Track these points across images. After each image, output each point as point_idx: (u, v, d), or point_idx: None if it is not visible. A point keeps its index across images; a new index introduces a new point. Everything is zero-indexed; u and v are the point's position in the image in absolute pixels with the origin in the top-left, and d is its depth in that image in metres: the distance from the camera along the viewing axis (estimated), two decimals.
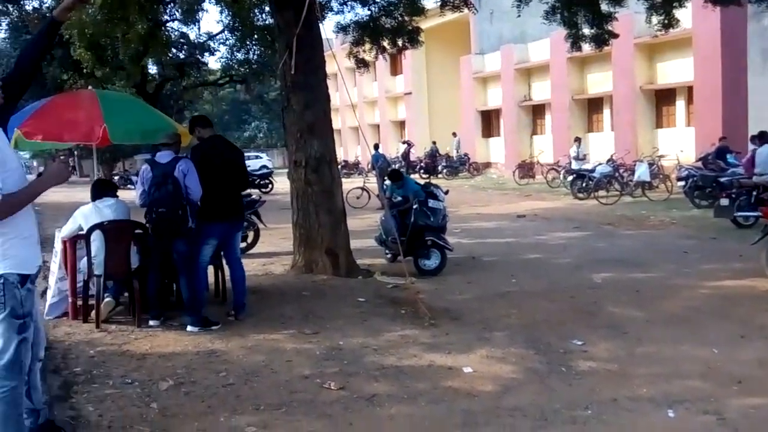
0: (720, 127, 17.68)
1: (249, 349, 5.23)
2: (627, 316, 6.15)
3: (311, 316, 6.18)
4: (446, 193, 9.09)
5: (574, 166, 19.06)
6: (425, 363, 4.87)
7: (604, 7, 11.52)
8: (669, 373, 4.62)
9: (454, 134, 29.46)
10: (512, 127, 27.29)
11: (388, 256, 9.16)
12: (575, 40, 12.35)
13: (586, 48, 12.41)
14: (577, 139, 20.42)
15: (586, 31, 12.11)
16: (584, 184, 17.22)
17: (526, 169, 24.04)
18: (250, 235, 10.20)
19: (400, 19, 11.82)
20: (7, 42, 25.34)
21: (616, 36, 11.92)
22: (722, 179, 13.18)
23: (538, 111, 27.29)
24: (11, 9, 20.04)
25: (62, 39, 18.03)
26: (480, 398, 4.19)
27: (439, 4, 11.48)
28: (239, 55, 21.81)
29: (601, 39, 11.95)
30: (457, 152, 28.60)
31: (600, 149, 22.03)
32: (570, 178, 18.40)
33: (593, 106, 24.53)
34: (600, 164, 17.99)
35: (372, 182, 18.53)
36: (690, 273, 8.03)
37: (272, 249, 10.17)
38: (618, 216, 13.70)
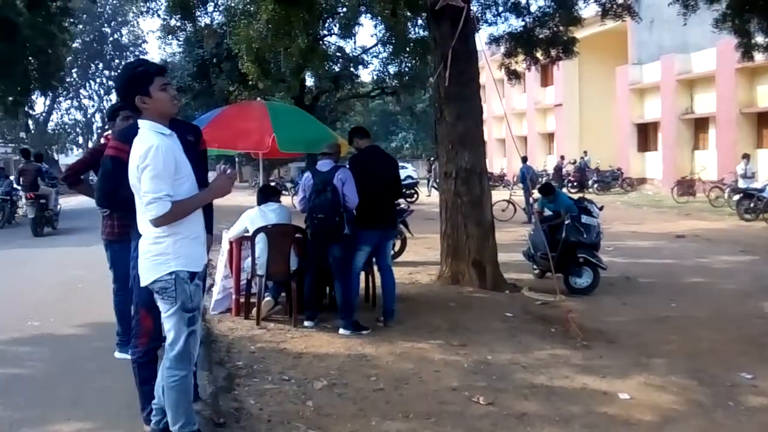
0: None
1: (398, 356, 5.31)
2: None
3: (458, 328, 6.18)
4: (600, 209, 8.76)
5: (741, 184, 17.65)
6: (578, 385, 4.71)
7: None
8: None
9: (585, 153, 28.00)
10: (671, 142, 25.76)
11: (536, 271, 8.98)
12: (747, 50, 11.53)
13: (759, 58, 11.51)
14: (746, 156, 18.89)
15: (760, 39, 11.27)
16: (752, 205, 15.92)
17: (686, 186, 22.60)
18: (398, 243, 10.36)
19: (555, 29, 11.62)
20: (182, 56, 27.59)
21: None
22: None
23: (700, 125, 25.58)
24: (186, 24, 21.83)
25: (230, 53, 19.44)
26: (638, 428, 3.98)
27: (599, 13, 11.14)
28: (391, 68, 22.38)
29: None
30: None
31: None
32: (736, 197, 17.06)
33: (764, 120, 22.61)
34: None
35: (518, 195, 18.21)
36: None
37: (418, 258, 10.28)
38: None
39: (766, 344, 5.83)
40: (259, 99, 9.85)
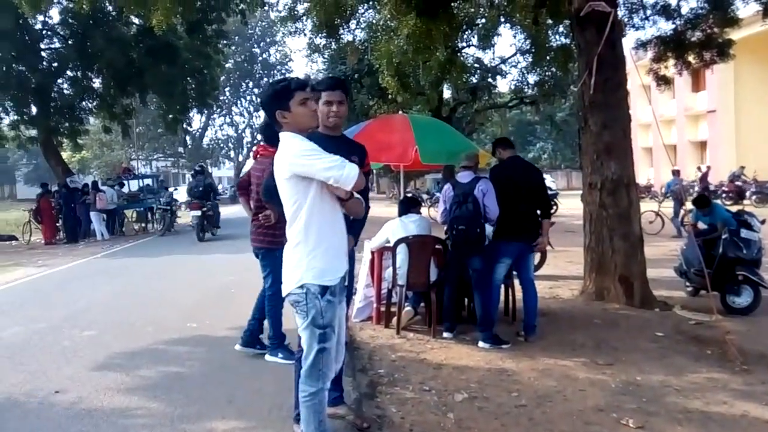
0: None
1: (540, 372, 5.19)
2: None
3: (604, 346, 5.93)
4: (763, 222, 8.10)
5: None
6: (737, 412, 4.37)
7: None
8: None
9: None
10: None
11: (689, 289, 8.43)
12: None
13: None
14: None
15: None
16: None
17: None
18: (537, 256, 10.14)
19: (708, 31, 10.97)
20: (325, 72, 28.70)
21: None
22: None
23: None
24: (330, 42, 22.73)
25: (371, 68, 19.99)
26: None
27: (759, 12, 10.37)
28: (531, 77, 22.02)
29: None
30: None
31: None
32: None
33: None
34: None
35: (666, 207, 17.22)
36: None
37: (558, 272, 10.00)
38: None
39: None
40: (400, 112, 10.02)
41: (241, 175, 17.66)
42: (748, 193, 25.38)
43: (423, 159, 6.90)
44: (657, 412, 4.35)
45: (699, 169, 27.85)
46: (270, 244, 5.32)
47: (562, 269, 10.19)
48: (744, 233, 7.65)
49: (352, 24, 16.54)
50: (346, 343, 3.70)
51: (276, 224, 5.18)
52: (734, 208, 8.75)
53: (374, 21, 16.91)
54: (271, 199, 3.93)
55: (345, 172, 3.13)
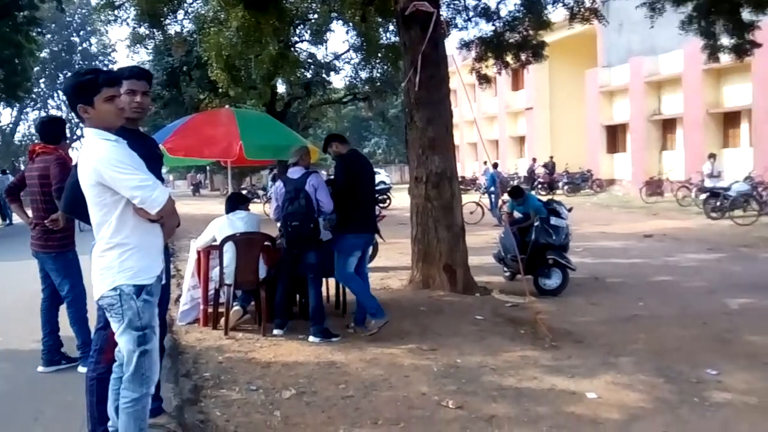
0: None
1: (368, 362, 5.29)
2: (767, 346, 5.70)
3: (429, 332, 6.18)
4: (569, 210, 8.85)
5: (708, 183, 17.96)
6: (546, 386, 4.73)
7: (746, 15, 10.86)
8: None
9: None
10: (640, 143, 26.14)
11: (507, 274, 9.03)
12: (713, 51, 11.72)
13: (725, 59, 11.71)
14: (712, 156, 19.23)
15: (725, 41, 11.47)
16: (719, 203, 16.20)
17: (655, 186, 22.94)
18: (369, 249, 10.35)
19: (524, 33, 11.70)
20: (151, 64, 27.36)
21: (758, 46, 11.19)
22: None
23: (668, 126, 26.00)
24: (156, 33, 21.69)
25: (200, 61, 19.32)
26: (606, 426, 4.01)
27: (567, 17, 11.26)
28: (363, 74, 22.42)
29: (742, 49, 11.27)
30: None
31: (736, 166, 20.65)
32: (703, 196, 17.37)
33: (730, 120, 23.04)
34: (736, 182, 16.86)
35: (487, 198, 18.35)
36: None
37: (389, 263, 10.27)
38: (755, 238, 12.75)
39: (731, 340, 5.92)
40: (227, 106, 9.77)
41: None
42: (560, 184, 27.67)
43: (247, 154, 6.77)
44: (475, 392, 4.60)
45: (534, 160, 29.93)
46: (60, 247, 5.04)
47: (393, 260, 10.47)
48: (553, 221, 8.31)
49: (180, 14, 15.84)
50: (166, 348, 3.55)
51: (64, 228, 4.98)
52: (545, 198, 9.46)
53: (203, 12, 16.33)
54: (73, 212, 3.64)
55: (153, 195, 2.98)
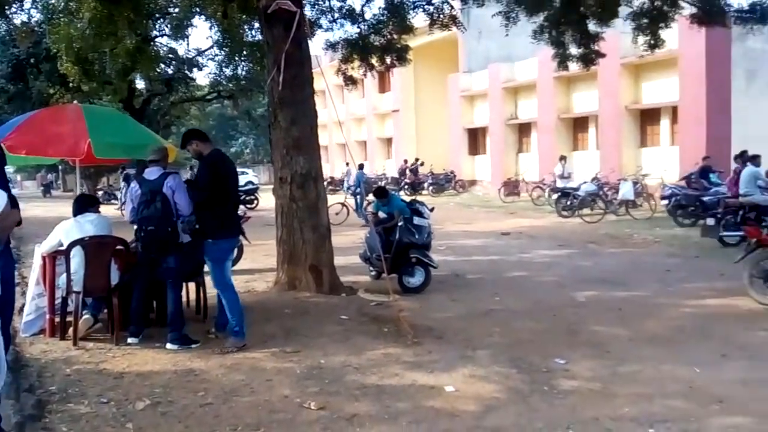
0: (704, 146, 17.87)
1: (228, 368, 5.15)
2: (610, 335, 6.15)
3: (293, 334, 6.12)
4: (432, 210, 9.10)
5: (559, 184, 19.15)
6: (407, 382, 4.83)
7: (592, 26, 11.64)
8: (651, 393, 4.61)
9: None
10: (498, 145, 27.44)
11: (373, 273, 9.14)
12: (562, 60, 12.45)
13: (573, 67, 12.51)
14: (563, 158, 20.55)
15: (573, 50, 12.22)
16: (569, 203, 17.31)
17: (512, 187, 24.15)
18: (234, 251, 10.11)
19: (388, 37, 11.87)
20: None
21: (603, 56, 12.03)
22: (705, 198, 13.36)
23: (524, 129, 27.47)
24: None
25: (49, 53, 18.04)
26: (461, 418, 4.16)
27: (427, 22, 11.55)
28: (227, 71, 21.87)
29: (588, 58, 12.05)
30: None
31: (585, 168, 22.18)
32: (555, 196, 18.50)
33: (579, 124, 24.73)
34: (585, 183, 18.10)
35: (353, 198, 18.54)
36: (673, 292, 8.07)
37: (255, 266, 10.08)
38: (602, 234, 13.76)
39: (579, 331, 6.33)
40: (75, 102, 9.16)
41: None
42: (425, 185, 28.45)
43: (97, 153, 6.38)
44: (337, 392, 4.60)
45: (406, 162, 30.45)
46: None
47: (259, 263, 10.29)
48: (416, 220, 8.51)
49: (27, 2, 14.68)
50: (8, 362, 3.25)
51: None
52: (409, 199, 9.68)
53: (52, 1, 15.24)
54: None
55: None
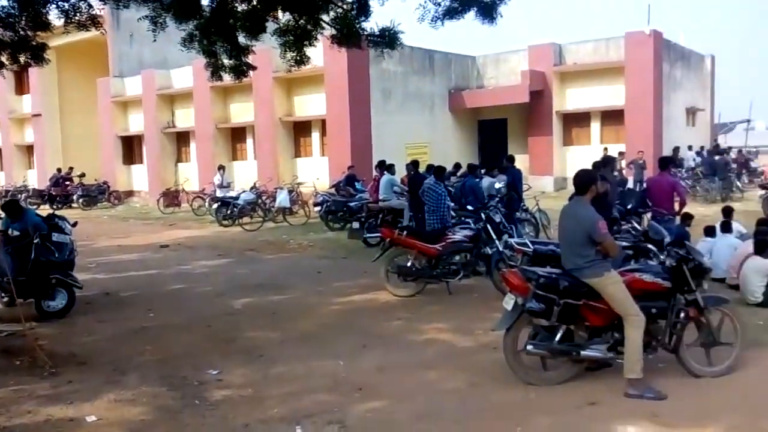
0: (349, 156, 19.52)
1: None
2: (263, 339, 6.31)
3: None
4: (74, 225, 8.31)
5: (219, 194, 19.15)
6: (41, 418, 4.32)
7: (242, 39, 11.85)
8: (299, 390, 4.83)
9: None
10: (156, 154, 26.44)
11: (5, 299, 7.99)
12: (215, 70, 12.46)
13: (227, 78, 12.61)
14: (221, 167, 20.62)
15: (226, 61, 12.33)
16: (229, 212, 17.42)
17: (171, 197, 23.45)
18: None
19: (22, 33, 10.60)
20: None
21: (254, 68, 12.30)
22: (351, 204, 14.63)
23: (182, 138, 26.91)
24: None
25: None
26: None
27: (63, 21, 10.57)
28: None
29: (240, 70, 12.21)
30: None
31: (244, 177, 22.58)
32: (215, 206, 18.46)
33: (237, 135, 25.08)
34: (244, 192, 18.41)
35: None
36: (323, 291, 8.62)
37: None
38: (261, 242, 14.13)
39: (233, 339, 6.37)
40: None
41: None
42: (75, 197, 26.04)
43: None
44: None
45: (60, 170, 27.14)
46: None
47: None
48: (56, 237, 7.70)
49: None
50: None
51: None
52: (46, 213, 8.71)
53: None
54: None
55: None
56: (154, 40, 11.82)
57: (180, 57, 23.33)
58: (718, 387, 4.70)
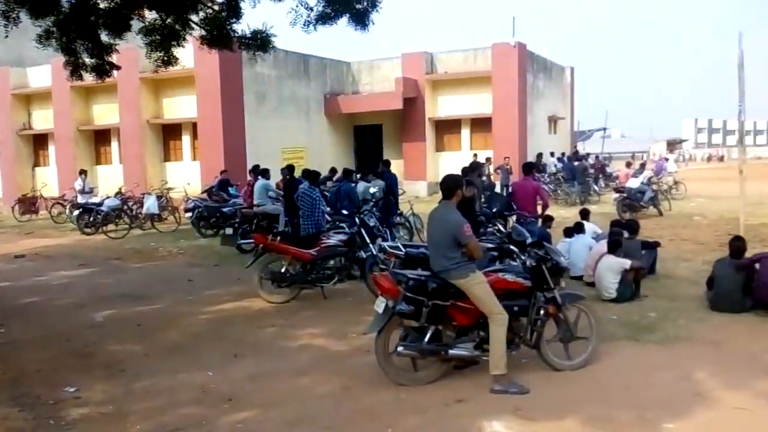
0: (222, 160, 19.04)
1: None
2: (126, 353, 6.00)
3: None
4: None
5: (81, 199, 18.06)
6: None
7: (105, 37, 11.25)
8: (164, 405, 4.63)
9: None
10: (10, 158, 24.56)
11: None
12: (75, 69, 11.77)
13: (89, 77, 11.91)
14: (83, 172, 19.45)
15: (87, 59, 11.66)
16: (92, 219, 16.44)
17: (28, 204, 21.85)
18: None
19: None
20: None
21: (117, 68, 11.72)
22: (225, 209, 14.24)
23: (40, 141, 25.18)
24: None
25: None
26: None
27: None
28: None
29: (102, 69, 11.60)
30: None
31: (109, 182, 21.45)
32: (76, 212, 17.36)
33: (101, 137, 23.78)
34: (108, 197, 17.45)
35: None
36: (193, 300, 8.33)
37: None
38: (127, 250, 13.45)
39: (94, 353, 6.02)
40: None
41: None
42: None
43: None
44: None
45: None
46: None
47: None
48: None
49: None
50: None
51: None
52: None
53: None
54: None
55: None
56: (7, 36, 11.00)
57: (38, 54, 21.88)
58: (576, 379, 4.98)
